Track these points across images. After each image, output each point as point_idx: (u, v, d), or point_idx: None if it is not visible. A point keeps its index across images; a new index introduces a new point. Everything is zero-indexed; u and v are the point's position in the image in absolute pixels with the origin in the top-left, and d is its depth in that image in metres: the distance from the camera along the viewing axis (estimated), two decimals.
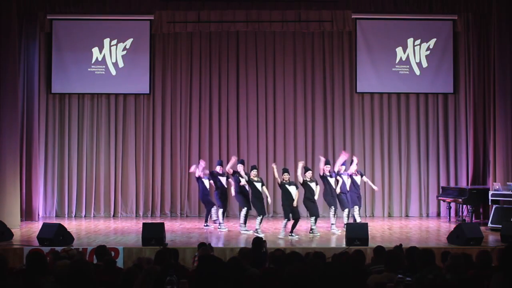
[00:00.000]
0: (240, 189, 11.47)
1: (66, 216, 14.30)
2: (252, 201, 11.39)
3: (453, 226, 10.94)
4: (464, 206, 13.20)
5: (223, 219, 11.91)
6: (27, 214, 13.39)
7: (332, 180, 11.61)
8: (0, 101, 12.45)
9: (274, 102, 14.76)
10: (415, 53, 14.62)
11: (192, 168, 12.44)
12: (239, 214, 11.90)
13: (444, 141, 14.66)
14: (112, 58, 14.57)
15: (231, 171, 11.53)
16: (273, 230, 11.77)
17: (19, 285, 4.51)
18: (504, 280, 4.31)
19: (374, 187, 12.76)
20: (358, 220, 11.58)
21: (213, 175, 11.99)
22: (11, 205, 12.26)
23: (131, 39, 14.57)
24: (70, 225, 12.18)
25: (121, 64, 14.56)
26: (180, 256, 7.94)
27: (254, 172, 11.32)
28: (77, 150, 14.55)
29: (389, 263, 5.45)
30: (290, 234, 10.70)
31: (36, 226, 11.79)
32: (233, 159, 11.84)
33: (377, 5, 13.95)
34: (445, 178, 14.59)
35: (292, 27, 14.37)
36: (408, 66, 14.63)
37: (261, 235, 9.92)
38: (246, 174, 11.49)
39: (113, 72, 14.56)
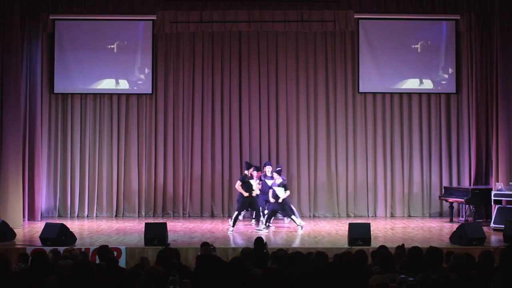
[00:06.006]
0: None
1: (69, 216, 14.31)
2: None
3: (455, 226, 10.92)
4: (467, 206, 13.18)
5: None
6: (30, 214, 13.41)
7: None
8: (3, 101, 12.48)
9: (277, 102, 14.75)
10: (417, 52, 14.61)
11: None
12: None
13: (447, 141, 14.65)
14: (114, 58, 14.59)
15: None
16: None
17: (22, 285, 4.51)
18: (505, 280, 4.30)
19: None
20: None
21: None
22: (13, 205, 12.27)
23: (134, 39, 14.59)
24: (73, 225, 12.19)
25: (123, 64, 14.58)
26: (182, 256, 7.94)
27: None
28: (79, 150, 14.57)
29: (382, 263, 5.47)
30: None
31: (38, 226, 11.79)
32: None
33: (380, 5, 13.90)
34: (448, 178, 14.57)
35: (294, 27, 14.36)
36: (410, 66, 14.62)
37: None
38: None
39: (116, 72, 14.58)
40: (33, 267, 5.12)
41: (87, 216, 14.41)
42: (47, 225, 10.07)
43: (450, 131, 14.67)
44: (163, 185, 14.56)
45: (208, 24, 14.18)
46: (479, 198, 12.70)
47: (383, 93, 14.77)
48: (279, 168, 12.21)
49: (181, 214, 14.48)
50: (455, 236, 9.94)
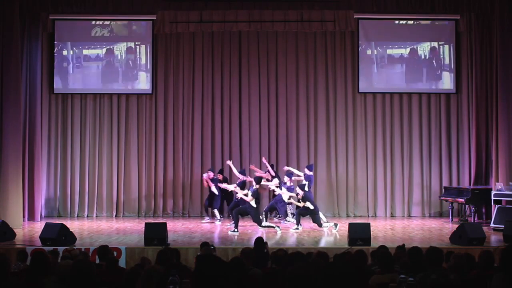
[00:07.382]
0: None
1: (69, 216, 14.31)
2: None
3: (455, 226, 10.92)
4: (467, 206, 13.18)
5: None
6: (30, 214, 13.41)
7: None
8: (3, 101, 12.48)
9: (277, 102, 14.75)
10: (418, 52, 14.63)
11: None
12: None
13: (447, 141, 14.66)
14: (114, 58, 14.60)
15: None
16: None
17: (22, 285, 4.50)
18: (505, 280, 4.30)
19: None
20: None
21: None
22: (13, 205, 12.27)
23: (134, 39, 14.60)
24: (73, 225, 12.19)
25: (123, 64, 14.59)
26: (182, 256, 7.94)
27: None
28: (79, 150, 14.57)
29: (382, 263, 5.47)
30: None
31: (38, 226, 11.80)
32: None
33: (380, 5, 13.91)
34: (448, 178, 14.58)
35: (294, 27, 14.36)
36: (410, 66, 14.63)
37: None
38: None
39: (116, 72, 14.59)
40: (33, 267, 5.11)
41: (87, 216, 14.41)
42: (47, 225, 10.07)
43: (450, 131, 14.68)
44: (163, 185, 14.56)
45: (208, 24, 14.18)
46: (479, 198, 12.69)
47: (383, 93, 14.77)
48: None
49: (181, 214, 14.48)
50: (455, 236, 9.94)
